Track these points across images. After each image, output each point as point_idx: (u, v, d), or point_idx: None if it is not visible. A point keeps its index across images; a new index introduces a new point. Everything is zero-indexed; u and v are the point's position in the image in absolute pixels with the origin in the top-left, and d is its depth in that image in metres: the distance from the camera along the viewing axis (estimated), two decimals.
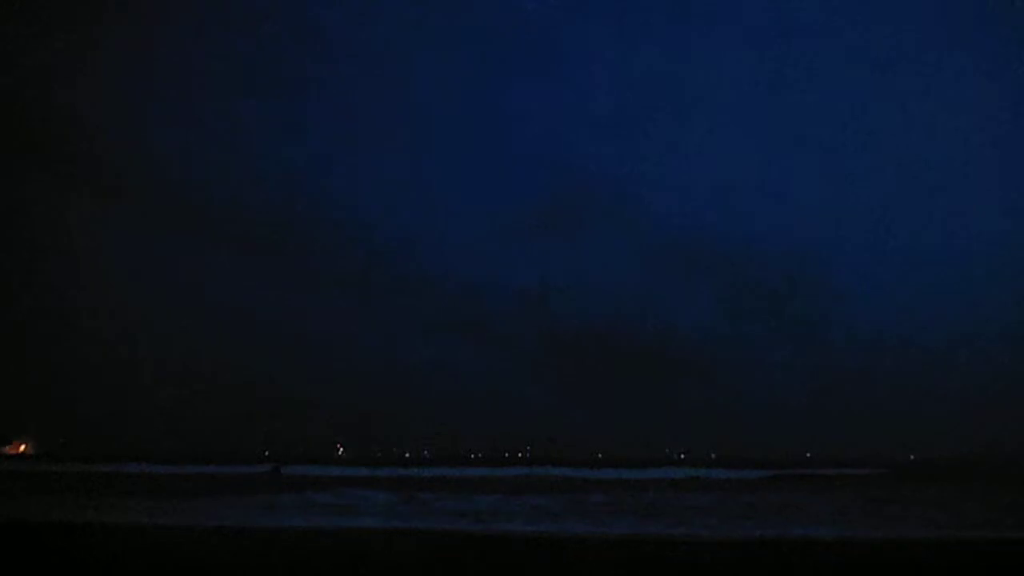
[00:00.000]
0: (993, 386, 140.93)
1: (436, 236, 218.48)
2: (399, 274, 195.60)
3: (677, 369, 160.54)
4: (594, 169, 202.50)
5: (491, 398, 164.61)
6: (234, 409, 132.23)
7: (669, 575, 11.21)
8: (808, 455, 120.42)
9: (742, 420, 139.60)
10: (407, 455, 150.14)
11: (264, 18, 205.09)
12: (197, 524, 17.28)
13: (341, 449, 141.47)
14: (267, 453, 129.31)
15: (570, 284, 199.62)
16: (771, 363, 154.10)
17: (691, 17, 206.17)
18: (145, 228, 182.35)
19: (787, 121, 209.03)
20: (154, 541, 14.23)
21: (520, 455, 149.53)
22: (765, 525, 18.42)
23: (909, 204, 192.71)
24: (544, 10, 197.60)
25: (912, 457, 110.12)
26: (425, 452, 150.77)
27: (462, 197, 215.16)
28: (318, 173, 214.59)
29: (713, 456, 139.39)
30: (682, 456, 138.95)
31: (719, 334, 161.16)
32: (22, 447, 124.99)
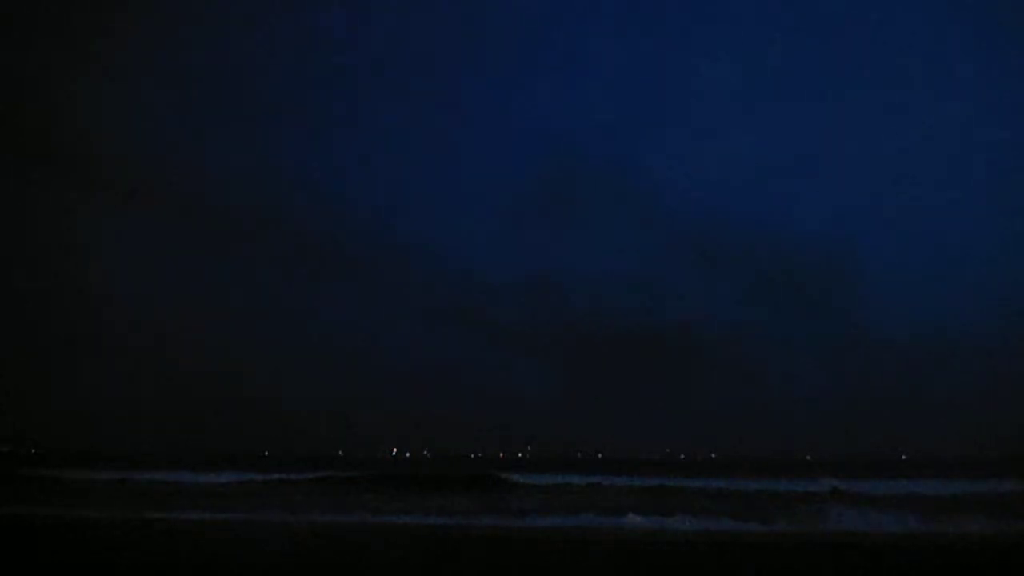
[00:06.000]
0: None
1: (442, 225, 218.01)
2: (402, 265, 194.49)
3: (694, 363, 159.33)
4: (608, 154, 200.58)
5: (494, 393, 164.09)
6: (229, 410, 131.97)
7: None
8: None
9: (761, 417, 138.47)
10: (407, 454, 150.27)
11: (267, 17, 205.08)
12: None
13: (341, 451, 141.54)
14: (266, 453, 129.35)
15: (580, 274, 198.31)
16: (793, 357, 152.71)
17: (708, 4, 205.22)
18: (141, 223, 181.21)
19: (811, 109, 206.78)
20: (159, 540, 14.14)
21: (521, 455, 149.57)
22: None
23: (939, 195, 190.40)
24: None
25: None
26: (425, 452, 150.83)
27: (467, 182, 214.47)
28: (315, 163, 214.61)
29: (713, 456, 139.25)
30: (682, 456, 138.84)
31: (739, 327, 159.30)
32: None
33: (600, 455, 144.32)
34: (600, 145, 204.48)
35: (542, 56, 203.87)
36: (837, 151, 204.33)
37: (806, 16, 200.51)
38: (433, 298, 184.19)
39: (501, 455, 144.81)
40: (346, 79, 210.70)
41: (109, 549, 13.14)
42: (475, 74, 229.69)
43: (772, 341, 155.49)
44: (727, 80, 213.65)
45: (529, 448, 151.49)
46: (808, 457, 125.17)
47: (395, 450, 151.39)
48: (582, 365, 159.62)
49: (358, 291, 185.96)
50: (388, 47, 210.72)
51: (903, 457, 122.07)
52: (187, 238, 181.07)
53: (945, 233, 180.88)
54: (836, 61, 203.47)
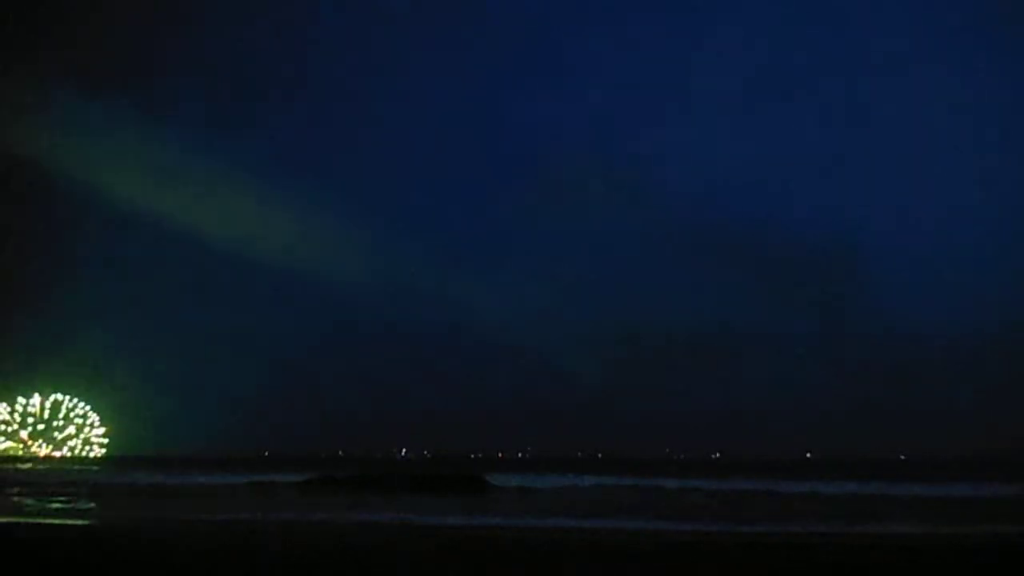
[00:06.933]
0: None
1: (442, 223, 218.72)
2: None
3: (694, 364, 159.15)
4: (612, 154, 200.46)
5: (494, 393, 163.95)
6: (229, 410, 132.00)
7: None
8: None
9: (762, 417, 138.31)
10: (407, 454, 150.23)
11: (263, 17, 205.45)
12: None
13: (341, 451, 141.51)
14: (267, 454, 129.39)
15: (581, 274, 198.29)
16: (793, 358, 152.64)
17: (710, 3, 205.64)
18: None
19: (816, 104, 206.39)
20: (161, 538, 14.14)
21: (520, 455, 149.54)
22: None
23: (940, 194, 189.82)
24: None
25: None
26: (425, 452, 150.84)
27: (468, 185, 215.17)
28: (316, 163, 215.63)
29: (713, 456, 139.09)
30: (682, 456, 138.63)
31: (739, 328, 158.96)
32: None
33: (600, 455, 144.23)
34: (600, 145, 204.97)
35: (541, 56, 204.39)
36: (838, 151, 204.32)
37: (821, 18, 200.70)
38: (432, 299, 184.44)
39: (500, 455, 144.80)
40: (350, 88, 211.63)
41: (109, 550, 13.15)
42: (476, 75, 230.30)
43: (772, 341, 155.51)
44: (727, 80, 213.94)
45: (529, 448, 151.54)
46: (808, 457, 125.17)
47: (395, 450, 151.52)
48: (582, 365, 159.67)
49: (357, 293, 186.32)
50: (386, 46, 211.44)
51: (902, 457, 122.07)
52: (187, 244, 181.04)
53: (946, 233, 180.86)
54: (837, 60, 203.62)
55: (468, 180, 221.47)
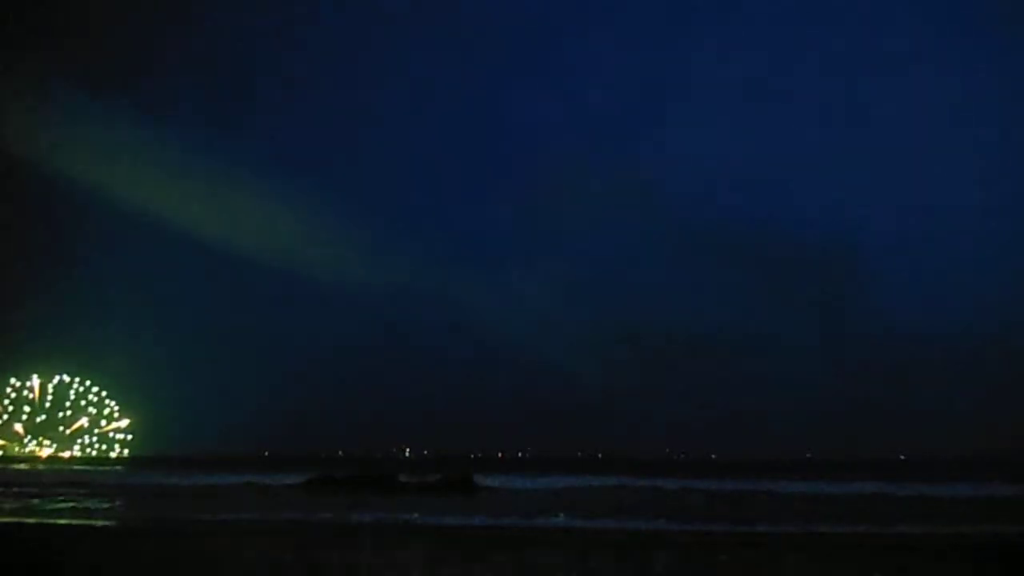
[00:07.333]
0: None
1: (443, 222, 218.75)
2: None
3: (694, 363, 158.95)
4: (612, 154, 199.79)
5: (493, 394, 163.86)
6: (229, 410, 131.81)
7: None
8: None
9: (761, 417, 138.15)
10: (407, 454, 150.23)
11: (263, 17, 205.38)
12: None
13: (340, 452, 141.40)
14: (266, 454, 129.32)
15: (580, 274, 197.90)
16: (793, 357, 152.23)
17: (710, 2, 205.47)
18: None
19: (816, 104, 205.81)
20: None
21: (521, 455, 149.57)
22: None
23: (940, 194, 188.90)
24: None
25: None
26: (425, 452, 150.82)
27: (468, 185, 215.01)
28: (316, 163, 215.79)
29: (713, 456, 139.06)
30: (682, 456, 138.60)
31: (738, 327, 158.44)
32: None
33: (600, 455, 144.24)
34: (600, 145, 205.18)
35: (541, 56, 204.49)
36: (838, 151, 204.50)
37: (807, 15, 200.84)
38: (436, 299, 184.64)
39: (500, 455, 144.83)
40: (348, 90, 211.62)
41: (109, 550, 13.14)
42: (475, 75, 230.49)
43: (772, 341, 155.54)
44: (727, 80, 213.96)
45: (529, 448, 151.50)
46: (808, 457, 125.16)
47: (395, 450, 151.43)
48: (582, 365, 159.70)
49: (360, 293, 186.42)
50: (385, 46, 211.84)
51: (902, 457, 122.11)
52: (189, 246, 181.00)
53: (946, 233, 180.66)
54: (837, 60, 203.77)
55: (468, 180, 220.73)
